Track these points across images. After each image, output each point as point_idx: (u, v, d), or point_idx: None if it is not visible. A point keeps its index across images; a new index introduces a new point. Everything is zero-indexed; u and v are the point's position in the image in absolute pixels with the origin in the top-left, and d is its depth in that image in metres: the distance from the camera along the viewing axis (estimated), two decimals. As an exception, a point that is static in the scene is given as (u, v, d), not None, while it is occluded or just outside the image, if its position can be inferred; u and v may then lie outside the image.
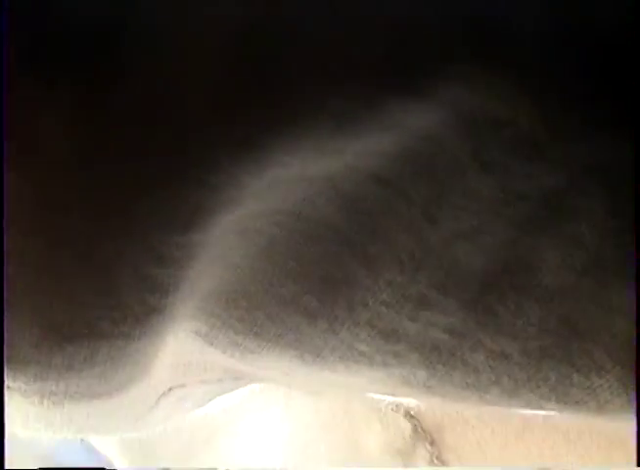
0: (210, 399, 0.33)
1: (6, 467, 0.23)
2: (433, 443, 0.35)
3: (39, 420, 0.27)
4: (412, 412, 0.34)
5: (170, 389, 0.30)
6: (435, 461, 0.35)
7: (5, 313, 0.23)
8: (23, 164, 0.22)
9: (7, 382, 0.24)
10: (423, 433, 0.35)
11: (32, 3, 0.21)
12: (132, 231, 0.23)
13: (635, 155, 0.23)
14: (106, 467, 0.35)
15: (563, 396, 0.27)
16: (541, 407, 0.28)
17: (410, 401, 0.35)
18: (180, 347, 0.27)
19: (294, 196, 0.24)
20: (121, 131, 0.22)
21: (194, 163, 0.22)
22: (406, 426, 0.35)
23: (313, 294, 0.26)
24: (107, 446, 0.36)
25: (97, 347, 0.24)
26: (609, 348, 0.25)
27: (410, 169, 0.23)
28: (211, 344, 0.28)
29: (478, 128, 0.23)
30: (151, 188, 0.22)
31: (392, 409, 0.35)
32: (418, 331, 0.26)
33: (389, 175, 0.24)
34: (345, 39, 0.22)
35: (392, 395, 0.34)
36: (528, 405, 0.28)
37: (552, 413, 0.30)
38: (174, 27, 0.21)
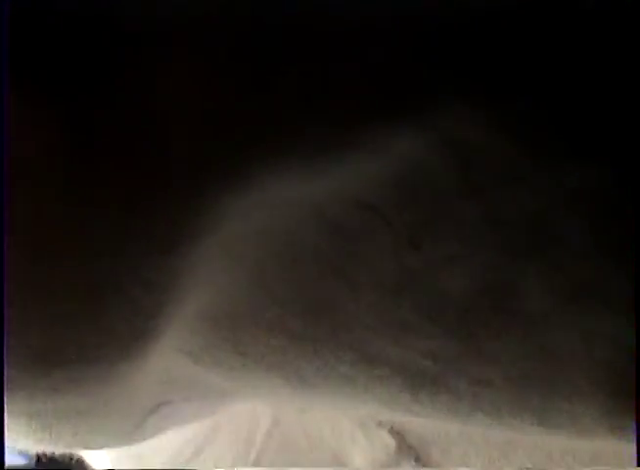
0: (197, 416, 0.34)
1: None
2: (417, 459, 0.35)
3: (28, 438, 0.27)
4: (397, 428, 0.35)
5: (158, 405, 0.30)
6: (420, 476, 0.35)
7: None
8: (12, 181, 0.22)
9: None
10: (407, 449, 0.35)
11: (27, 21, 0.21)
12: (117, 254, 0.23)
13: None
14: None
15: (545, 421, 0.27)
16: (524, 431, 0.28)
17: (394, 418, 0.35)
18: (165, 363, 0.27)
19: (279, 220, 0.25)
20: (106, 158, 0.22)
21: (177, 188, 0.22)
22: (391, 442, 0.35)
23: (297, 317, 0.26)
24: (99, 460, 0.36)
25: (83, 370, 0.24)
26: (590, 374, 0.25)
27: (394, 195, 0.24)
28: (196, 362, 0.28)
29: (463, 155, 0.23)
30: (135, 213, 0.22)
31: (378, 425, 0.35)
32: (401, 356, 0.26)
33: (374, 201, 0.24)
34: (328, 65, 0.22)
35: (376, 415, 0.34)
36: (511, 429, 0.28)
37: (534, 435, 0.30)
38: (159, 59, 0.21)
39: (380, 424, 0.35)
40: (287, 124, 0.22)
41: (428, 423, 0.34)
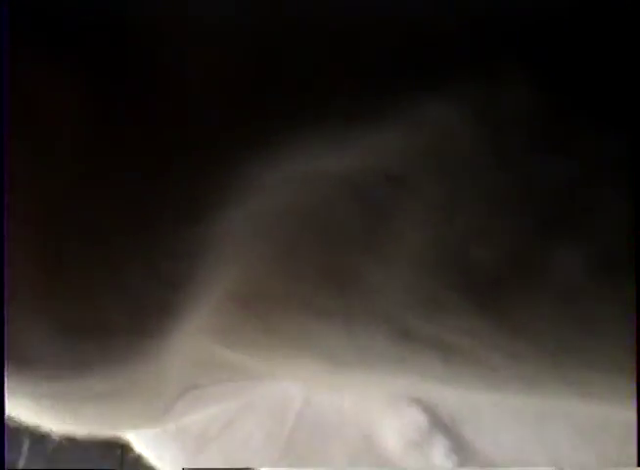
0: (225, 399, 0.34)
1: (5, 467, 0.24)
2: (449, 436, 0.35)
3: (52, 420, 0.27)
4: (429, 406, 0.35)
5: (187, 389, 0.30)
6: (452, 454, 0.35)
7: (11, 312, 0.23)
8: (32, 156, 0.22)
9: (15, 388, 0.24)
10: (439, 426, 0.35)
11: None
12: (143, 224, 0.22)
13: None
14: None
15: (582, 392, 0.27)
16: (559, 399, 0.28)
17: (426, 395, 0.35)
18: (193, 344, 0.27)
19: (308, 193, 0.24)
20: (130, 126, 0.22)
21: (205, 158, 0.22)
22: (422, 419, 0.35)
23: (328, 293, 0.26)
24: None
25: (107, 344, 0.24)
26: (626, 346, 0.25)
27: (424, 165, 0.23)
28: (226, 343, 0.28)
29: (495, 125, 0.23)
30: (161, 182, 0.22)
31: (409, 403, 0.35)
32: (433, 332, 0.26)
33: (404, 173, 0.24)
34: (356, 35, 0.22)
35: (408, 388, 0.34)
36: (546, 397, 0.28)
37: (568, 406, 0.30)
38: (183, 26, 0.21)
39: (412, 402, 0.35)
40: (314, 94, 0.22)
41: (460, 401, 0.34)
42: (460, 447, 0.35)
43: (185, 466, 0.35)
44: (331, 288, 0.26)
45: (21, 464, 0.64)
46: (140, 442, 0.36)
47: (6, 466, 0.24)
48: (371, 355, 0.27)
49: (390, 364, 0.28)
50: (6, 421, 0.24)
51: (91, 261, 0.22)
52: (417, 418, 0.35)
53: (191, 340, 0.26)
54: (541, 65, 0.23)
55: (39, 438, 0.28)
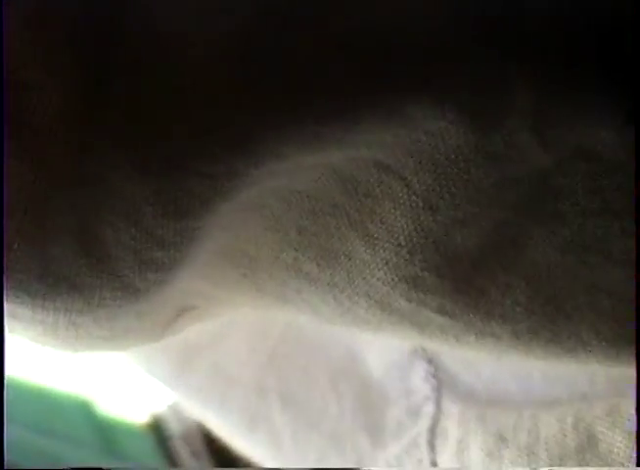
0: (218, 316, 0.34)
1: (5, 467, 0.24)
2: (430, 361, 0.36)
3: (55, 337, 0.27)
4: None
5: (183, 310, 0.30)
6: (430, 378, 0.36)
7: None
8: (25, 145, 0.21)
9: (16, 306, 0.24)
10: (422, 351, 0.36)
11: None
12: (131, 216, 0.23)
13: (635, 150, 0.24)
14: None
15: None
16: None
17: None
18: (187, 284, 0.28)
19: (296, 181, 0.25)
20: (121, 120, 0.22)
21: (192, 154, 0.22)
22: (404, 343, 0.36)
23: (313, 261, 0.26)
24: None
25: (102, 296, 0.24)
26: (594, 326, 0.26)
27: (413, 160, 0.24)
28: (217, 286, 0.29)
29: (480, 122, 0.23)
30: (149, 176, 0.22)
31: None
32: (412, 309, 0.27)
33: (391, 162, 0.24)
34: (343, 37, 0.22)
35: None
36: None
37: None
38: (174, 26, 0.21)
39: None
40: (299, 92, 0.22)
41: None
42: (439, 373, 0.36)
43: (174, 378, 0.37)
44: (318, 258, 0.26)
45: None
46: (130, 357, 0.36)
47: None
48: (354, 319, 0.28)
49: (370, 327, 0.28)
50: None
51: (77, 253, 0.23)
52: (400, 344, 0.36)
53: (184, 284, 0.27)
54: (525, 57, 0.23)
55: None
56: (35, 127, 0.21)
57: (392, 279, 0.26)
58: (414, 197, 0.24)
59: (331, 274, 0.26)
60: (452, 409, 0.35)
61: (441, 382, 0.36)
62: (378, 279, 0.26)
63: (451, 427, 0.34)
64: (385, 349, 0.36)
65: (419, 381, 0.36)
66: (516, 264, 0.26)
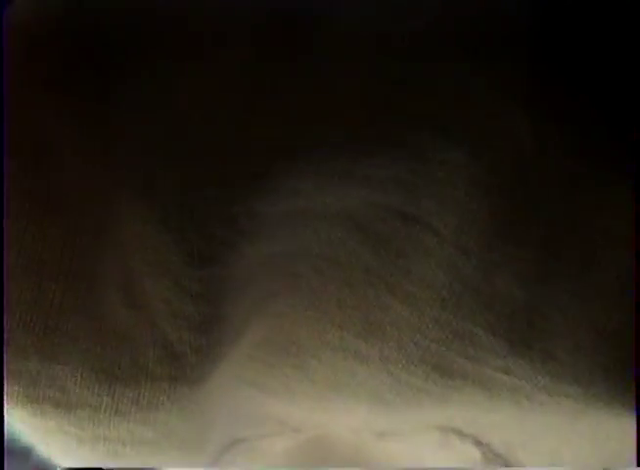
0: (272, 453, 0.33)
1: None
2: (507, 464, 0.34)
3: (93, 462, 0.26)
4: (480, 439, 0.34)
5: (234, 442, 0.29)
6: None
7: (50, 358, 0.23)
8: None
9: (66, 426, 0.24)
10: (494, 457, 0.34)
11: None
12: (157, 268, 0.23)
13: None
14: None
15: None
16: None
17: (473, 428, 0.34)
18: (235, 398, 0.27)
19: (319, 235, 0.25)
20: (133, 168, 0.23)
21: (208, 195, 0.23)
22: (475, 453, 0.34)
23: (360, 337, 0.26)
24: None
25: (142, 388, 0.24)
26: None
27: (435, 202, 0.24)
28: (267, 392, 0.28)
29: (490, 151, 0.24)
30: (168, 223, 0.23)
31: (461, 440, 0.34)
32: (474, 370, 0.26)
33: (414, 211, 0.24)
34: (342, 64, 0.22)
35: (453, 420, 0.33)
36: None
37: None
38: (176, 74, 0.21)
39: (462, 437, 0.34)
40: (306, 130, 0.23)
41: (511, 426, 0.33)
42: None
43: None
44: (364, 333, 0.26)
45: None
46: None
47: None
48: (412, 393, 0.27)
49: (432, 400, 0.27)
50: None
51: (119, 307, 0.23)
52: (470, 453, 0.34)
53: (228, 389, 0.27)
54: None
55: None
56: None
57: (447, 337, 0.25)
58: (445, 244, 0.24)
59: (380, 348, 0.25)
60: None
61: None
62: (431, 340, 0.25)
63: None
64: (456, 464, 0.35)
65: None
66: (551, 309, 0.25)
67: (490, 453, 0.34)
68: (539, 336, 0.25)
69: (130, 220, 0.23)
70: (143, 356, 0.24)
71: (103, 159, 0.23)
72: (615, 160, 0.24)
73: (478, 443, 0.34)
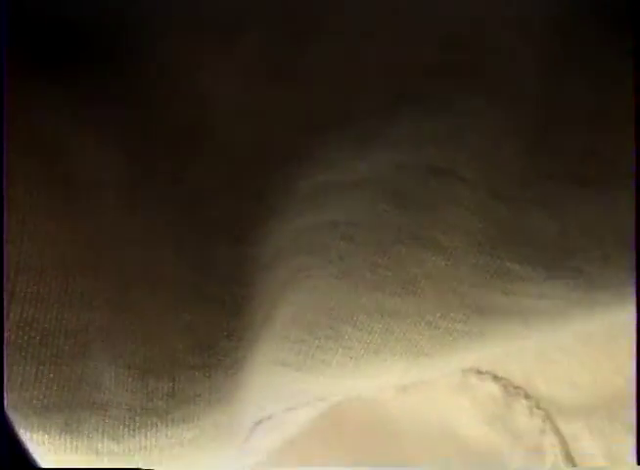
0: (298, 424, 0.31)
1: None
2: (527, 395, 0.34)
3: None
4: (499, 375, 0.33)
5: (260, 422, 0.28)
6: (536, 411, 0.33)
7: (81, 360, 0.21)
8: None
9: (98, 447, 0.22)
10: (514, 389, 0.34)
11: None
12: (188, 247, 0.22)
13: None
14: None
15: None
16: None
17: (491, 364, 0.33)
18: (267, 381, 0.26)
19: (347, 204, 0.24)
20: (163, 151, 0.22)
21: (241, 171, 0.22)
22: (495, 389, 0.34)
23: (395, 295, 0.25)
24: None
25: (183, 384, 0.23)
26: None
27: (461, 150, 0.24)
28: (301, 369, 0.27)
29: (519, 106, 0.24)
30: (199, 203, 0.22)
31: (479, 379, 0.33)
32: (512, 302, 0.26)
33: (446, 164, 0.24)
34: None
35: (475, 362, 0.33)
36: None
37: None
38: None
39: (480, 375, 0.33)
40: (339, 98, 0.23)
41: (528, 355, 0.33)
42: (542, 403, 0.33)
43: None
44: (399, 290, 0.25)
45: None
46: None
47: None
48: (453, 341, 0.26)
49: (469, 341, 0.27)
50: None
51: (150, 303, 0.22)
52: (489, 390, 0.34)
53: (263, 374, 0.25)
54: None
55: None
56: None
57: (485, 279, 0.25)
58: (477, 191, 0.24)
59: (416, 303, 0.25)
60: (575, 428, 0.33)
61: (548, 410, 0.33)
62: (470, 285, 0.25)
63: (586, 445, 0.32)
64: (476, 405, 0.34)
65: (525, 420, 0.34)
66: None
67: (510, 386, 0.34)
68: (571, 256, 0.25)
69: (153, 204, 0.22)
70: (172, 347, 0.22)
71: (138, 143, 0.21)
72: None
73: (496, 378, 0.34)
